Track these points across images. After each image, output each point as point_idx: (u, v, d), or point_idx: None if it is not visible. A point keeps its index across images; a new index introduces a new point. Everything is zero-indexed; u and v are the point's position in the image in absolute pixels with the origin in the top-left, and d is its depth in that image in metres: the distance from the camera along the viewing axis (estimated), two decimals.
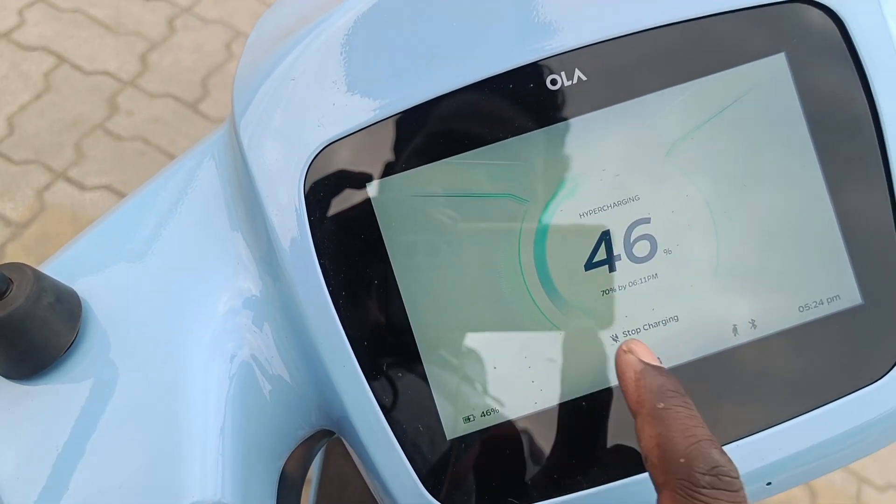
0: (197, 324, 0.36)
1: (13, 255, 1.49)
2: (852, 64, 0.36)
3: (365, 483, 0.39)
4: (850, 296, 0.36)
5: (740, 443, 0.36)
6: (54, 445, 0.33)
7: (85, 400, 0.34)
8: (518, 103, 0.36)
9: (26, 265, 0.34)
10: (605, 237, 0.36)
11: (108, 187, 1.60)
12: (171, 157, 1.65)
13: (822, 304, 0.36)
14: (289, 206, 0.36)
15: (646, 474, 0.35)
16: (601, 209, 0.36)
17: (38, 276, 0.33)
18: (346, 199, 0.36)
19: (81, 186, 1.59)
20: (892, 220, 0.36)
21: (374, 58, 0.36)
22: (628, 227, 0.36)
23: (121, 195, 1.58)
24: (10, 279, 0.33)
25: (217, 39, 1.88)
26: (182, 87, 1.78)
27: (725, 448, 0.35)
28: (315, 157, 0.36)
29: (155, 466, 0.33)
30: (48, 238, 1.52)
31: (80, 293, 0.36)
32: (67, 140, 1.65)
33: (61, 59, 1.78)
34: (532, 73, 0.36)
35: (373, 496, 0.39)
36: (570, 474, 0.36)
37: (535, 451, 0.36)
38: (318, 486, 0.76)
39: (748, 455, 0.36)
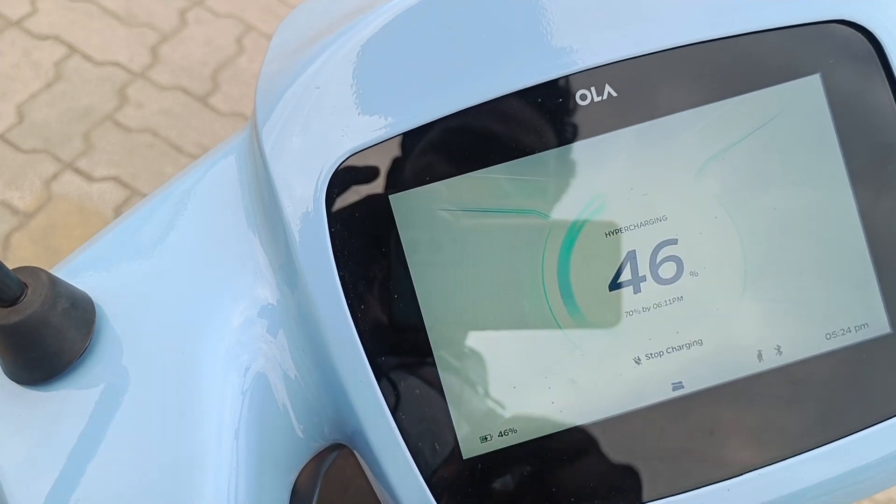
0: (213, 334, 0.35)
1: (19, 244, 1.49)
2: (888, 86, 0.35)
3: (365, 485, 0.38)
4: (879, 324, 0.36)
5: (763, 471, 0.35)
6: (65, 453, 0.33)
7: (97, 408, 0.33)
8: (547, 118, 0.35)
9: (41, 269, 0.33)
10: (631, 257, 0.35)
11: (115, 179, 1.59)
12: (180, 150, 1.65)
13: (850, 331, 0.36)
14: (309, 216, 0.35)
15: (666, 499, 0.35)
16: (627, 229, 0.35)
17: (54, 282, 0.33)
18: (367, 211, 0.35)
19: (89, 177, 1.59)
20: None
21: (400, 67, 0.35)
22: (655, 248, 0.35)
23: (128, 187, 1.58)
24: (25, 283, 0.32)
25: (228, 33, 1.88)
26: (192, 80, 1.78)
27: (747, 477, 0.35)
28: (338, 168, 0.35)
29: (167, 479, 0.33)
30: (54, 228, 1.52)
31: (94, 297, 0.35)
32: (76, 130, 1.65)
33: (72, 48, 1.78)
34: (561, 88, 0.35)
35: (373, 498, 0.38)
36: (587, 498, 0.35)
37: (553, 473, 0.36)
38: (319, 489, 0.76)
39: (771, 484, 0.35)
